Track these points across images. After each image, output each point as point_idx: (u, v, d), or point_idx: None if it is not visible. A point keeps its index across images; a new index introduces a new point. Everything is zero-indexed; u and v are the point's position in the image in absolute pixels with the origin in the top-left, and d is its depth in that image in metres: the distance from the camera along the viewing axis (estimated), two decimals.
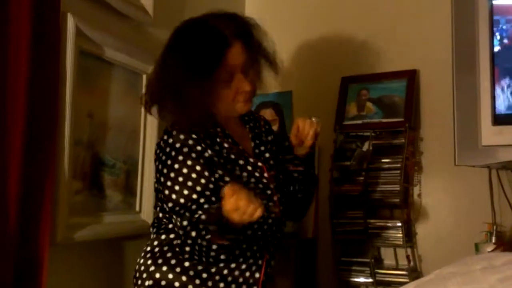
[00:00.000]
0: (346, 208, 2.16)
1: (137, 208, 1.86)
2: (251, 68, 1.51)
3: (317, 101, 2.37)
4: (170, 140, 1.44)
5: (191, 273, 1.42)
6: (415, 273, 2.09)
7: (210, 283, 1.43)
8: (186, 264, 1.43)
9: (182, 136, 1.43)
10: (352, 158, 2.18)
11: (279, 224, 1.56)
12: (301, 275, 2.19)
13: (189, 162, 1.41)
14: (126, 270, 1.81)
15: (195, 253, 1.39)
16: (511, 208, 1.98)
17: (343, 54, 2.39)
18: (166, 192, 1.42)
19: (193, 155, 1.42)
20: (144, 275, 1.45)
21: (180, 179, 1.40)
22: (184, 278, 1.42)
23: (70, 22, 1.55)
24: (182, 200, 1.39)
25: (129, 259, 1.80)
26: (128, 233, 1.80)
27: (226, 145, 1.49)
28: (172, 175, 1.41)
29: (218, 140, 1.49)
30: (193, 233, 1.36)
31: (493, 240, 1.92)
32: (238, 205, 1.24)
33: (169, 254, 1.45)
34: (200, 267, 1.43)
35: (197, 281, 1.42)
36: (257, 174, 1.52)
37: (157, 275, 1.43)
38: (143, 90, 1.90)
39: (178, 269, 1.43)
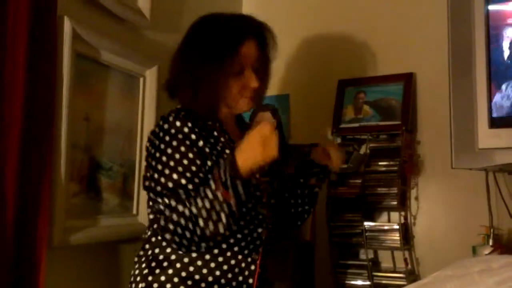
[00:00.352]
0: (344, 211, 2.16)
1: (134, 211, 1.86)
2: (261, 68, 1.56)
3: (314, 104, 2.38)
4: (166, 126, 1.44)
5: (183, 274, 1.42)
6: (412, 276, 2.09)
7: (203, 285, 1.43)
8: (178, 265, 1.43)
9: (178, 123, 1.44)
10: (349, 161, 2.17)
11: (271, 229, 1.56)
12: (299, 278, 2.19)
13: (182, 149, 1.41)
14: (123, 273, 1.80)
15: (185, 238, 1.36)
16: (508, 210, 1.98)
17: (340, 57, 2.39)
18: (156, 175, 1.41)
19: (187, 142, 1.42)
20: (138, 278, 1.45)
21: (171, 163, 1.40)
22: (176, 280, 1.41)
23: (67, 25, 1.55)
24: (170, 184, 1.38)
25: (126, 262, 1.80)
26: (125, 236, 1.80)
27: (222, 139, 1.50)
28: (163, 159, 1.41)
29: (215, 133, 1.49)
30: (180, 207, 1.35)
31: (491, 243, 1.92)
32: (264, 132, 1.34)
33: (161, 257, 1.44)
34: (192, 269, 1.42)
35: (189, 282, 1.42)
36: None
37: (150, 278, 1.43)
38: (141, 94, 1.91)
39: (170, 271, 1.42)
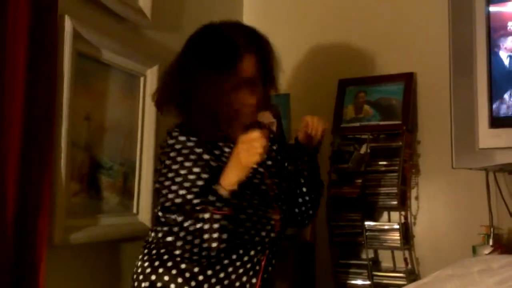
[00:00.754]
0: (344, 211, 2.16)
1: (135, 210, 1.86)
2: (262, 80, 1.56)
3: (315, 104, 2.37)
4: (171, 142, 1.46)
5: (187, 275, 1.42)
6: (412, 276, 2.09)
7: (206, 286, 1.43)
8: (183, 266, 1.43)
9: (182, 138, 1.45)
10: (349, 161, 2.18)
11: (279, 231, 1.56)
12: (299, 278, 2.19)
13: (187, 164, 1.42)
14: (123, 272, 1.80)
15: (192, 252, 1.40)
16: (509, 210, 1.98)
17: (341, 57, 2.39)
18: (164, 191, 1.43)
19: (192, 157, 1.43)
20: (141, 277, 1.46)
21: (178, 179, 1.41)
22: (180, 280, 1.42)
23: (68, 24, 1.55)
24: (177, 200, 1.39)
25: (127, 261, 1.80)
26: (126, 235, 1.80)
27: (226, 149, 1.50)
28: (170, 175, 1.42)
29: (219, 144, 1.50)
30: (187, 223, 1.36)
31: (491, 243, 1.92)
32: (249, 137, 1.33)
33: (165, 256, 1.45)
34: (196, 269, 1.43)
35: (193, 283, 1.42)
36: (256, 181, 1.53)
37: (153, 277, 1.43)
38: (142, 93, 1.91)
39: (174, 271, 1.43)
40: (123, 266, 1.82)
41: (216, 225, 1.35)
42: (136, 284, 1.47)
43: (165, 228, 1.46)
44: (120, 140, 1.81)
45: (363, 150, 2.21)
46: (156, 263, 1.45)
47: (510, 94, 1.79)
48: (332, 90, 2.31)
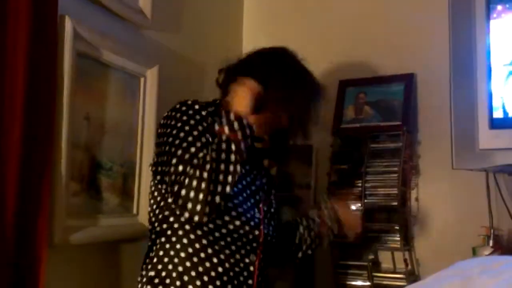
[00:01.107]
0: None
1: (135, 211, 1.86)
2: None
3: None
4: (184, 108, 1.48)
5: (186, 278, 1.42)
6: (412, 277, 2.09)
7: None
8: (180, 269, 1.43)
9: (197, 106, 1.49)
10: (349, 162, 2.18)
11: (266, 232, 1.56)
12: (299, 278, 2.19)
13: (200, 127, 1.44)
14: (123, 273, 1.80)
15: (193, 202, 1.34)
16: (509, 211, 1.98)
17: (341, 58, 2.39)
18: (172, 149, 1.41)
19: (204, 123, 1.46)
20: (144, 280, 1.47)
21: (190, 138, 1.41)
22: (174, 275, 1.43)
23: (68, 25, 1.55)
24: (187, 156, 1.38)
25: (126, 262, 1.80)
26: (126, 236, 1.80)
27: None
28: (181, 134, 1.43)
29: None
30: (191, 171, 1.35)
31: (491, 244, 1.92)
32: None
33: (166, 259, 1.45)
34: (193, 273, 1.43)
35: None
36: (251, 176, 1.57)
37: (156, 281, 1.44)
38: (142, 94, 1.91)
39: (174, 274, 1.43)
40: (123, 266, 1.81)
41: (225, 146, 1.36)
42: (140, 286, 1.47)
43: (169, 185, 1.43)
44: (120, 140, 1.81)
45: (363, 151, 2.20)
46: (160, 266, 1.45)
47: (510, 95, 1.79)
48: (332, 91, 2.30)
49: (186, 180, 1.33)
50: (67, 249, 1.59)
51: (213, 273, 1.43)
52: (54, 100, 1.49)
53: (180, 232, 1.45)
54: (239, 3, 2.63)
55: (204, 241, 1.44)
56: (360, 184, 2.12)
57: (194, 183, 1.33)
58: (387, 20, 2.32)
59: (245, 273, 1.49)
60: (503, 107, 1.79)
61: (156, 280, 1.44)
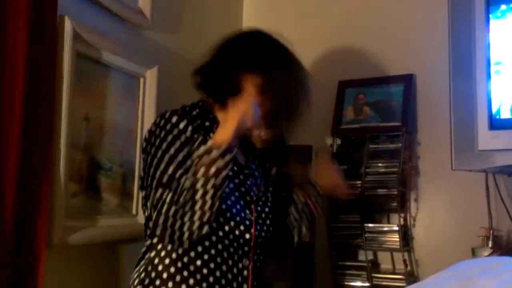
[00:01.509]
0: (343, 212, 2.15)
1: (134, 212, 1.86)
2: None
3: (314, 105, 2.36)
4: (162, 122, 1.45)
5: (178, 279, 1.41)
6: (412, 278, 2.09)
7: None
8: (172, 269, 1.42)
9: (174, 119, 1.45)
10: (349, 162, 2.18)
11: (258, 235, 1.56)
12: (298, 279, 2.19)
13: (177, 144, 1.41)
14: (122, 274, 1.80)
15: (171, 230, 1.33)
16: (508, 212, 1.98)
17: (340, 58, 2.39)
18: (151, 171, 1.41)
19: (182, 138, 1.43)
20: (136, 282, 1.46)
21: (166, 158, 1.40)
22: (170, 285, 1.41)
23: (68, 25, 1.55)
24: (165, 178, 1.38)
25: (126, 262, 1.80)
26: (125, 236, 1.80)
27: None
28: (158, 154, 1.41)
29: (211, 134, 1.49)
30: (169, 197, 1.33)
31: (490, 245, 1.92)
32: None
33: (156, 260, 1.45)
34: (185, 273, 1.42)
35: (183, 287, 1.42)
36: (241, 177, 1.55)
37: (146, 281, 1.43)
38: (141, 94, 1.90)
39: (164, 275, 1.42)
40: (122, 267, 1.81)
41: (209, 186, 1.31)
42: None
43: (150, 209, 1.44)
44: (120, 141, 1.80)
45: (362, 151, 2.20)
46: (149, 268, 1.45)
47: (510, 95, 1.79)
48: (331, 92, 2.31)
49: (164, 208, 1.33)
50: (66, 250, 1.59)
51: (204, 284, 1.42)
52: (54, 101, 1.49)
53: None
54: (238, 3, 2.63)
55: (192, 254, 1.43)
56: (359, 185, 2.12)
57: (172, 211, 1.32)
58: (387, 20, 2.33)
59: (240, 279, 1.48)
60: (503, 108, 1.79)
61: (147, 281, 1.44)
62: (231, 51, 1.56)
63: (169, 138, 1.42)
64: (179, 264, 1.43)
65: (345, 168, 2.17)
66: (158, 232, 1.36)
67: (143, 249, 1.52)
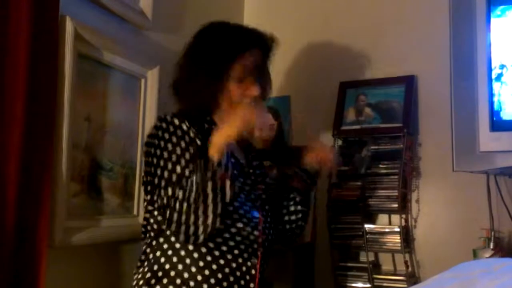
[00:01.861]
0: (344, 213, 2.15)
1: (135, 212, 1.86)
2: (263, 77, 1.58)
3: (315, 106, 2.37)
4: (164, 125, 1.46)
5: (186, 275, 1.42)
6: (413, 279, 2.09)
7: (205, 286, 1.42)
8: (180, 266, 1.43)
9: (176, 121, 1.46)
10: (350, 163, 2.18)
11: (267, 232, 1.55)
12: (299, 280, 2.18)
13: (182, 144, 1.42)
14: (123, 274, 1.80)
15: (185, 226, 1.34)
16: (509, 214, 1.98)
17: (342, 59, 2.39)
18: (158, 172, 1.41)
19: (187, 138, 1.43)
20: (141, 282, 1.46)
21: (174, 158, 1.40)
22: (178, 281, 1.42)
23: (69, 26, 1.55)
24: (174, 177, 1.38)
25: (127, 263, 1.80)
26: (126, 236, 1.80)
27: None
28: (165, 155, 1.41)
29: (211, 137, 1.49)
30: (181, 194, 1.33)
31: (491, 246, 1.91)
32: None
33: (162, 260, 1.45)
34: (194, 269, 1.42)
35: (192, 284, 1.42)
36: (244, 176, 1.56)
37: (152, 281, 1.44)
38: (142, 94, 1.91)
39: (172, 273, 1.43)
40: (123, 267, 1.81)
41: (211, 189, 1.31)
42: None
43: (161, 208, 1.43)
44: (121, 141, 1.81)
45: (363, 152, 2.20)
46: (155, 267, 1.45)
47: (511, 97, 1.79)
48: (333, 93, 2.31)
49: (177, 205, 1.33)
50: (67, 250, 1.59)
51: (212, 280, 1.43)
52: (55, 101, 1.49)
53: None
54: (239, 3, 2.63)
55: (204, 249, 1.44)
56: (360, 186, 2.12)
57: (185, 207, 1.32)
58: (388, 21, 2.33)
59: (248, 277, 1.48)
60: (504, 109, 1.79)
61: (153, 281, 1.44)
62: (197, 60, 1.56)
63: (174, 139, 1.43)
64: (188, 261, 1.43)
65: (346, 169, 2.17)
66: (173, 228, 1.35)
67: (144, 249, 1.52)
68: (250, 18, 2.60)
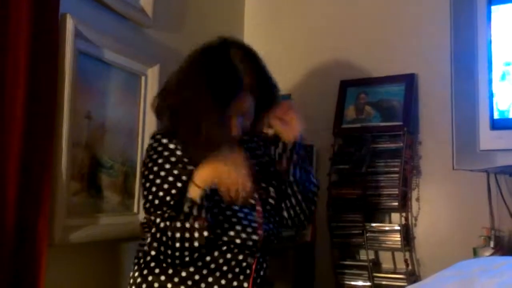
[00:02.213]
0: (345, 212, 2.15)
1: (135, 210, 1.86)
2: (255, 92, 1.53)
3: (316, 105, 2.37)
4: (155, 144, 1.46)
5: (176, 279, 1.42)
6: (413, 277, 2.09)
7: None
8: (170, 271, 1.42)
9: (165, 140, 1.45)
10: (350, 162, 2.18)
11: (264, 235, 1.54)
12: (299, 279, 2.19)
13: (167, 166, 1.42)
14: (123, 272, 1.80)
15: (168, 254, 1.37)
16: (509, 212, 1.98)
17: (342, 58, 2.39)
18: (145, 193, 1.43)
19: (172, 159, 1.43)
20: (138, 280, 1.45)
21: (158, 181, 1.41)
22: (169, 286, 1.41)
23: (69, 23, 1.55)
24: (156, 201, 1.39)
25: (127, 260, 1.80)
26: (126, 234, 1.80)
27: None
28: (151, 177, 1.43)
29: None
30: (164, 226, 1.35)
31: (491, 245, 1.92)
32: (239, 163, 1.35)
33: (152, 264, 1.44)
34: (184, 274, 1.42)
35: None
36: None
37: (150, 278, 1.43)
38: (142, 92, 1.90)
39: (162, 277, 1.42)
40: (123, 265, 1.81)
41: (197, 225, 1.33)
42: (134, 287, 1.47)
43: (148, 234, 1.44)
44: (121, 139, 1.81)
45: (364, 151, 2.20)
46: (145, 272, 1.45)
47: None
48: (333, 91, 2.31)
49: (158, 234, 1.36)
50: (67, 248, 1.59)
51: (210, 279, 1.42)
52: (55, 99, 1.49)
53: None
54: (240, 2, 2.63)
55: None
56: (361, 185, 2.12)
57: (168, 234, 1.34)
58: (388, 20, 2.32)
59: (241, 277, 1.47)
60: (504, 108, 1.79)
61: (144, 286, 1.44)
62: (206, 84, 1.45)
63: (160, 160, 1.43)
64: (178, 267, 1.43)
65: (346, 168, 2.17)
66: (156, 254, 1.39)
67: (137, 251, 1.52)
68: (251, 17, 2.60)
